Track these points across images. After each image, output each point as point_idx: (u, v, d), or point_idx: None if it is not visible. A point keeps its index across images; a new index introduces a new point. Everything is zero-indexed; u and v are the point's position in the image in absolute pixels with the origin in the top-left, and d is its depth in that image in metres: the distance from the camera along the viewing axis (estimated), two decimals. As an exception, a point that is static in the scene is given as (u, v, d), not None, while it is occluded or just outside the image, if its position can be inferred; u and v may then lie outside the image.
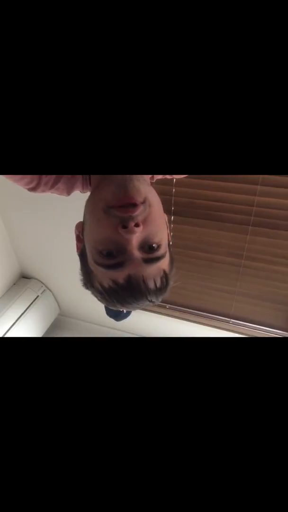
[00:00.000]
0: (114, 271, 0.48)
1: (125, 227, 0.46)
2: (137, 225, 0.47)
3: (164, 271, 0.51)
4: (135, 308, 0.52)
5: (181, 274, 1.71)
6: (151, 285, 0.49)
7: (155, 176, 0.64)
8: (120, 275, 0.48)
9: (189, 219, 1.56)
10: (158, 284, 0.50)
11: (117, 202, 0.47)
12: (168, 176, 0.72)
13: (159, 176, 0.66)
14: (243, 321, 1.80)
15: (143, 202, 0.48)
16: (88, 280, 0.53)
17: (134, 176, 0.49)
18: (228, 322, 1.83)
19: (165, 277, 0.51)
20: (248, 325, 1.79)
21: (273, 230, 1.45)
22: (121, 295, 0.49)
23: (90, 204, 0.51)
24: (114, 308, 0.53)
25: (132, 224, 0.46)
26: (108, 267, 0.48)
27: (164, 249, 0.50)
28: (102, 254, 0.49)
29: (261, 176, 1.33)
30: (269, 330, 1.76)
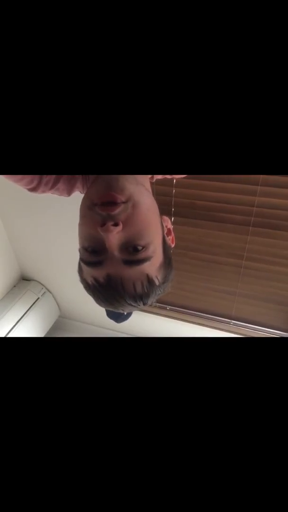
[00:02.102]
0: (94, 269, 0.48)
1: (103, 225, 0.45)
2: (116, 224, 0.45)
3: (148, 276, 0.49)
4: (119, 309, 0.51)
5: (181, 275, 1.72)
6: (129, 288, 0.48)
7: (155, 176, 0.64)
8: (100, 274, 0.48)
9: (190, 220, 1.56)
10: (138, 289, 0.48)
11: (98, 199, 0.47)
12: (168, 176, 0.72)
13: (159, 176, 0.66)
14: (244, 322, 1.79)
15: (126, 202, 0.47)
16: (80, 276, 0.53)
17: (123, 175, 0.48)
18: (229, 323, 1.82)
19: (148, 282, 0.49)
20: (249, 326, 1.79)
21: (273, 230, 1.45)
22: (102, 293, 0.49)
23: (81, 202, 0.51)
24: (103, 307, 0.52)
25: (110, 223, 0.45)
26: (89, 264, 0.49)
27: (151, 252, 0.48)
28: (87, 251, 0.49)
29: (261, 177, 1.34)
30: (270, 331, 1.76)
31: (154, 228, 0.50)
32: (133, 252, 0.47)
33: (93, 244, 0.48)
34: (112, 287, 0.48)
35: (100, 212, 0.47)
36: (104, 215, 0.46)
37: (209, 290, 1.75)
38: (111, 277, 0.47)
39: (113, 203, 0.46)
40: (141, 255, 0.47)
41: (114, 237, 0.46)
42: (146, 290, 0.49)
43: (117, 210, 0.46)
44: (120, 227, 0.46)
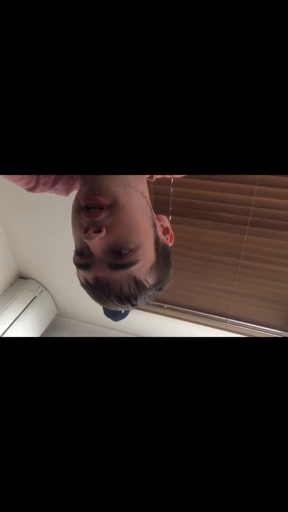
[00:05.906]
0: (83, 271, 0.49)
1: (86, 231, 0.46)
2: (98, 230, 0.45)
3: (136, 278, 0.48)
4: (112, 308, 0.51)
5: (179, 274, 1.72)
6: (115, 290, 0.48)
7: (154, 175, 0.64)
8: (88, 275, 0.49)
9: (187, 219, 1.57)
10: (125, 291, 0.48)
11: (83, 202, 0.47)
12: (167, 176, 0.72)
13: (159, 176, 0.66)
14: (240, 320, 1.80)
15: (110, 206, 0.47)
16: (77, 274, 0.53)
17: (108, 176, 0.48)
18: (226, 321, 1.83)
19: (136, 284, 0.48)
20: (246, 325, 1.80)
21: (270, 229, 1.45)
22: (91, 293, 0.50)
23: (72, 204, 0.51)
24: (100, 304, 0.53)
25: (92, 229, 0.45)
26: (79, 266, 0.49)
27: (139, 255, 0.48)
28: (77, 253, 0.50)
29: (258, 176, 1.34)
30: (267, 329, 1.77)
31: (144, 231, 0.49)
32: (118, 256, 0.47)
33: (81, 247, 0.49)
34: (99, 289, 0.48)
35: (83, 217, 0.47)
36: (87, 221, 0.46)
37: (206, 289, 1.76)
38: (99, 279, 0.48)
39: (97, 207, 0.46)
40: (128, 259, 0.47)
41: (97, 243, 0.46)
42: (133, 292, 0.49)
43: (100, 216, 0.46)
44: (102, 234, 0.45)
